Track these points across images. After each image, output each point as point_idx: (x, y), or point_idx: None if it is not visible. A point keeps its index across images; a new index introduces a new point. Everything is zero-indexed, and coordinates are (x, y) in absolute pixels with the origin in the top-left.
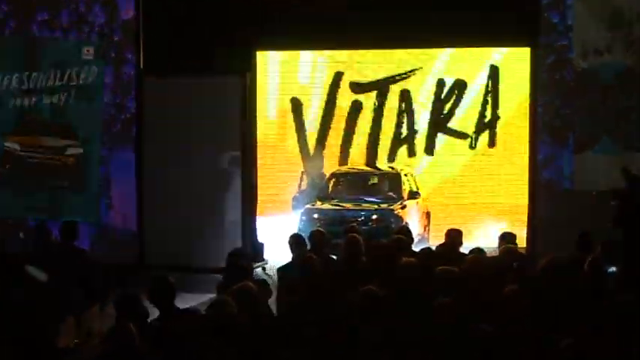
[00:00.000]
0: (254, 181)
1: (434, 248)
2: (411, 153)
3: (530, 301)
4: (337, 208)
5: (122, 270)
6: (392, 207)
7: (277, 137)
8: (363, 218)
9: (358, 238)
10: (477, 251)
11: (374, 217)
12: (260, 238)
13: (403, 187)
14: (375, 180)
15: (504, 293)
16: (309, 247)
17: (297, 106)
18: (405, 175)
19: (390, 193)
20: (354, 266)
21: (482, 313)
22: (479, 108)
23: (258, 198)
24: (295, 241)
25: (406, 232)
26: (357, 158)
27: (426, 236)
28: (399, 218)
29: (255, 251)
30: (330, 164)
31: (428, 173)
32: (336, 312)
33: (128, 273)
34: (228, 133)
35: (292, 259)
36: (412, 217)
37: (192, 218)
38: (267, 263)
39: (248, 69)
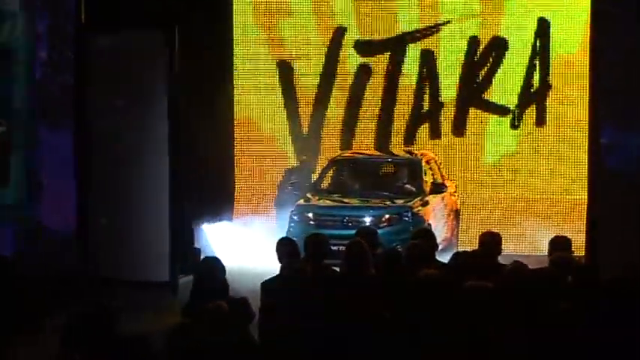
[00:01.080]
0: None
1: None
2: (435, 133)
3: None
4: (338, 204)
5: (60, 283)
6: (410, 203)
7: (260, 112)
8: (372, 218)
9: (362, 243)
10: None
11: (386, 216)
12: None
13: (424, 178)
14: (388, 168)
15: (556, 312)
16: (302, 255)
17: (286, 71)
18: (427, 162)
19: (408, 186)
20: (358, 280)
21: (524, 339)
22: (523, 74)
23: (236, 193)
24: (284, 248)
25: (428, 235)
26: (365, 140)
27: (454, 241)
28: (419, 218)
29: (187, 259)
30: (329, 148)
31: (457, 160)
32: (334, 337)
33: (68, 287)
34: (159, 107)
35: (280, 270)
36: (436, 216)
37: (143, 216)
38: None
39: (220, 20)
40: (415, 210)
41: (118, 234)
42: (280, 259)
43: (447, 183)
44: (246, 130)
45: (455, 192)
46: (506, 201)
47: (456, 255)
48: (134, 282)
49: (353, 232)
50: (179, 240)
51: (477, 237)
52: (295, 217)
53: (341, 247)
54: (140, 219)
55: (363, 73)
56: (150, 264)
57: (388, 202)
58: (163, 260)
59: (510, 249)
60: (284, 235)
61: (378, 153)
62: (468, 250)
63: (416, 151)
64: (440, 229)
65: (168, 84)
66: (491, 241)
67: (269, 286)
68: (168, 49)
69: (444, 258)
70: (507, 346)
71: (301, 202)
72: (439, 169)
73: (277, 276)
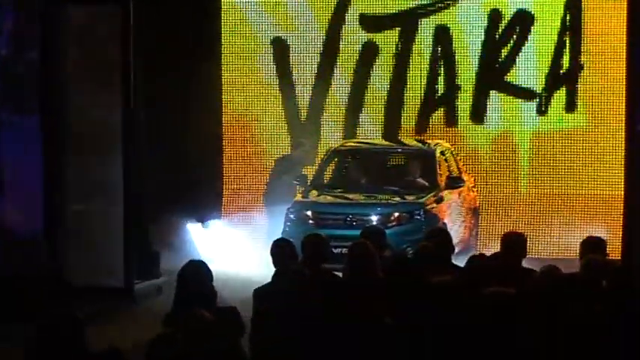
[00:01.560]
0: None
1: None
2: (451, 120)
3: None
4: (341, 201)
5: (25, 287)
6: (422, 200)
7: (252, 96)
8: (379, 216)
9: (367, 244)
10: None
11: (395, 214)
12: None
13: (439, 171)
14: (398, 160)
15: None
16: (300, 258)
17: (281, 50)
18: (442, 152)
19: (420, 180)
20: (362, 286)
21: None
22: (552, 53)
23: (225, 188)
24: (280, 250)
25: (443, 236)
26: (371, 128)
27: (472, 243)
28: (433, 216)
29: (144, 264)
30: (330, 136)
31: (475, 150)
32: (333, 347)
33: (34, 291)
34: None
35: (275, 275)
36: (452, 214)
37: (99, 215)
38: (164, 280)
39: None
40: (428, 207)
41: (77, 235)
42: (275, 263)
43: (465, 177)
44: (236, 117)
45: (473, 187)
46: (532, 197)
47: (472, 258)
48: (88, 288)
49: (357, 232)
50: (134, 242)
51: (499, 238)
52: (292, 216)
53: (343, 250)
54: (96, 218)
55: (369, 51)
56: (105, 268)
57: (397, 199)
58: (118, 264)
59: (536, 251)
60: (279, 235)
61: (386, 142)
62: (490, 252)
63: (429, 141)
64: (456, 229)
65: (122, 69)
66: (515, 243)
67: (263, 293)
68: (120, 26)
69: (462, 262)
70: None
71: (299, 198)
72: (455, 160)
73: (271, 282)
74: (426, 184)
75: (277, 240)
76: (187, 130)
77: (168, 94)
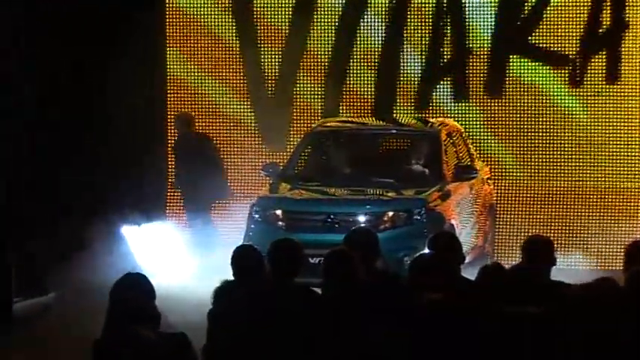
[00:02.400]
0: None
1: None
2: (460, 92)
3: None
4: (320, 197)
5: None
6: (423, 195)
7: (205, 64)
8: (368, 216)
9: (347, 251)
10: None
11: (389, 214)
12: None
13: (445, 158)
14: (392, 144)
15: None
16: (267, 269)
17: (243, 3)
18: (449, 134)
19: (419, 167)
20: (343, 303)
21: None
22: (588, 7)
23: (170, 182)
24: (242, 260)
25: (449, 242)
26: (358, 103)
27: (487, 250)
28: (437, 216)
29: (21, 279)
30: (305, 114)
31: (492, 132)
32: None
33: None
34: None
35: (236, 291)
36: (462, 213)
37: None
38: (51, 298)
39: None
40: (431, 205)
41: None
42: (236, 276)
43: (478, 165)
44: (184, 91)
45: (489, 178)
46: (563, 192)
47: (485, 269)
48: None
49: (341, 237)
50: (11, 253)
51: (521, 243)
52: (256, 216)
53: (322, 259)
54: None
55: (356, 5)
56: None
57: (392, 194)
58: None
59: (568, 260)
60: (241, 241)
61: (378, 122)
62: (509, 262)
63: (433, 119)
64: (467, 233)
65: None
66: (540, 249)
67: (219, 315)
68: None
69: (475, 274)
70: None
71: (265, 193)
72: (466, 144)
73: (230, 300)
74: (428, 174)
75: (239, 247)
76: (119, 109)
77: (89, 62)
